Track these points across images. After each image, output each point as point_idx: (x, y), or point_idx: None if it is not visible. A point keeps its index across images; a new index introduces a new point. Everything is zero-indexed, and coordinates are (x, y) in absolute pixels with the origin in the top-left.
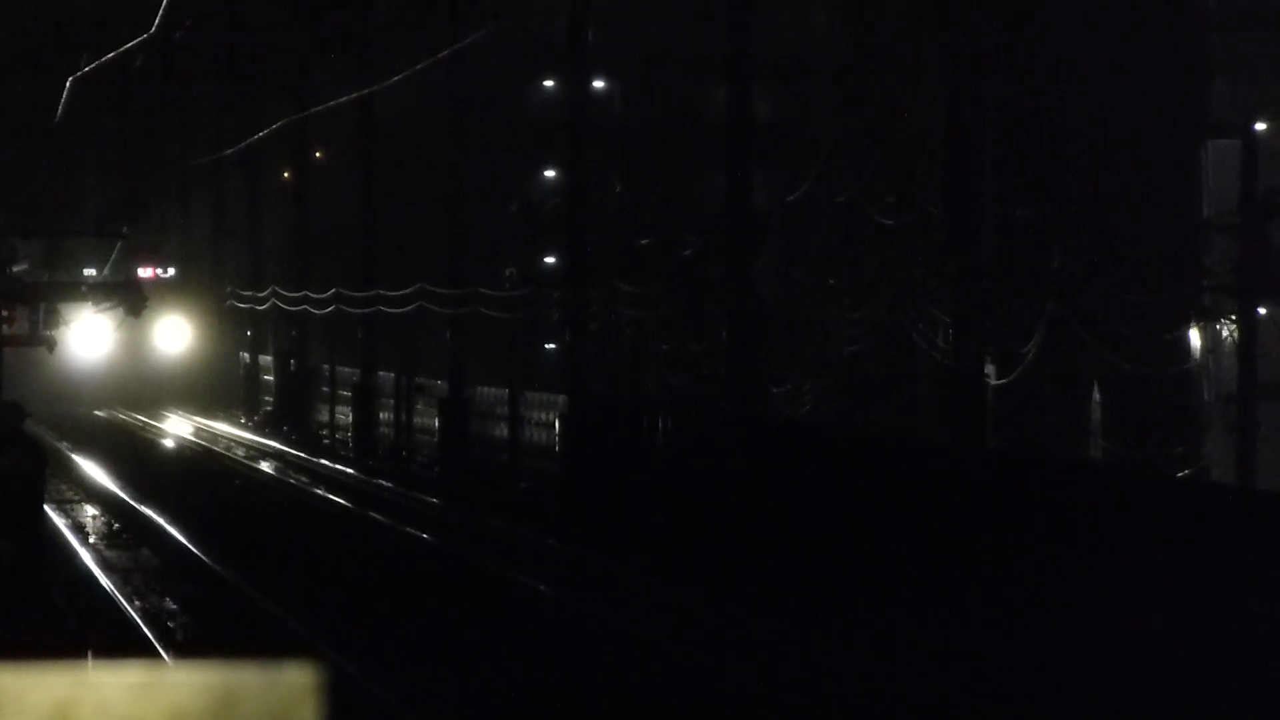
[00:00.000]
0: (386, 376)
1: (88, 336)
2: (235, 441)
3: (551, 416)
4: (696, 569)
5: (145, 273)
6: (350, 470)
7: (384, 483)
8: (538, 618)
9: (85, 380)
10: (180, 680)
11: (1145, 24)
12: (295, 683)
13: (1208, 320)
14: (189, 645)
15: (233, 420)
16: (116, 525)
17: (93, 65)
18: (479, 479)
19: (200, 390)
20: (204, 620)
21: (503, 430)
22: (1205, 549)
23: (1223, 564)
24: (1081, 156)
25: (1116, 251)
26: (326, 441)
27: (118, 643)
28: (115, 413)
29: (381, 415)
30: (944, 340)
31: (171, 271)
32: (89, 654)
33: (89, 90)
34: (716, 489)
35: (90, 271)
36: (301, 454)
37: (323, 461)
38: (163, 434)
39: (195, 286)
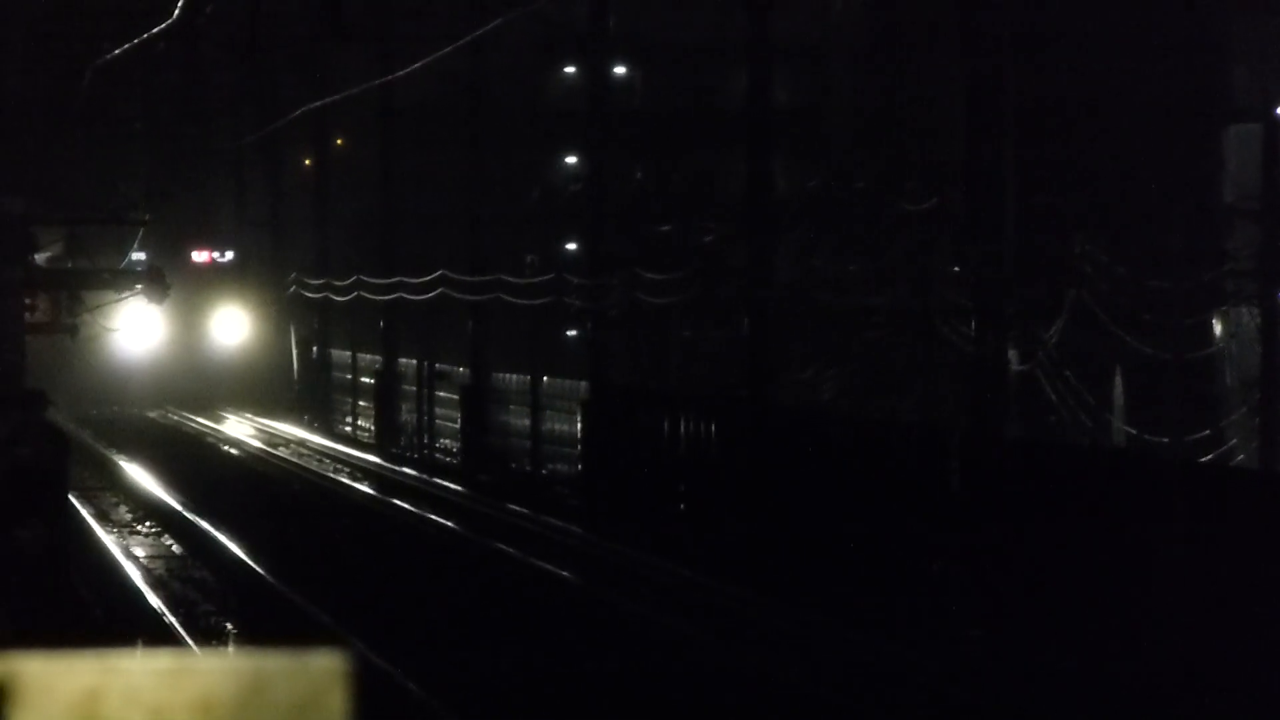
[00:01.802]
0: (409, 364)
1: (134, 329)
2: (268, 431)
3: (573, 404)
4: (717, 555)
5: (200, 257)
6: (371, 457)
7: (407, 470)
8: (560, 604)
9: (134, 378)
10: (209, 667)
11: (1165, 7)
12: (324, 669)
13: (1230, 305)
14: (217, 631)
15: (270, 413)
16: (128, 506)
17: (115, 52)
18: (500, 465)
19: (247, 384)
20: (228, 601)
21: (524, 417)
22: (1226, 534)
23: (1244, 549)
24: (1102, 141)
25: (1138, 237)
26: (347, 429)
27: (141, 628)
28: (166, 412)
29: (403, 405)
30: (967, 326)
31: (230, 255)
32: (117, 641)
33: (111, 77)
34: (735, 475)
35: (139, 256)
36: (323, 440)
37: (342, 448)
38: (193, 424)
39: (255, 273)
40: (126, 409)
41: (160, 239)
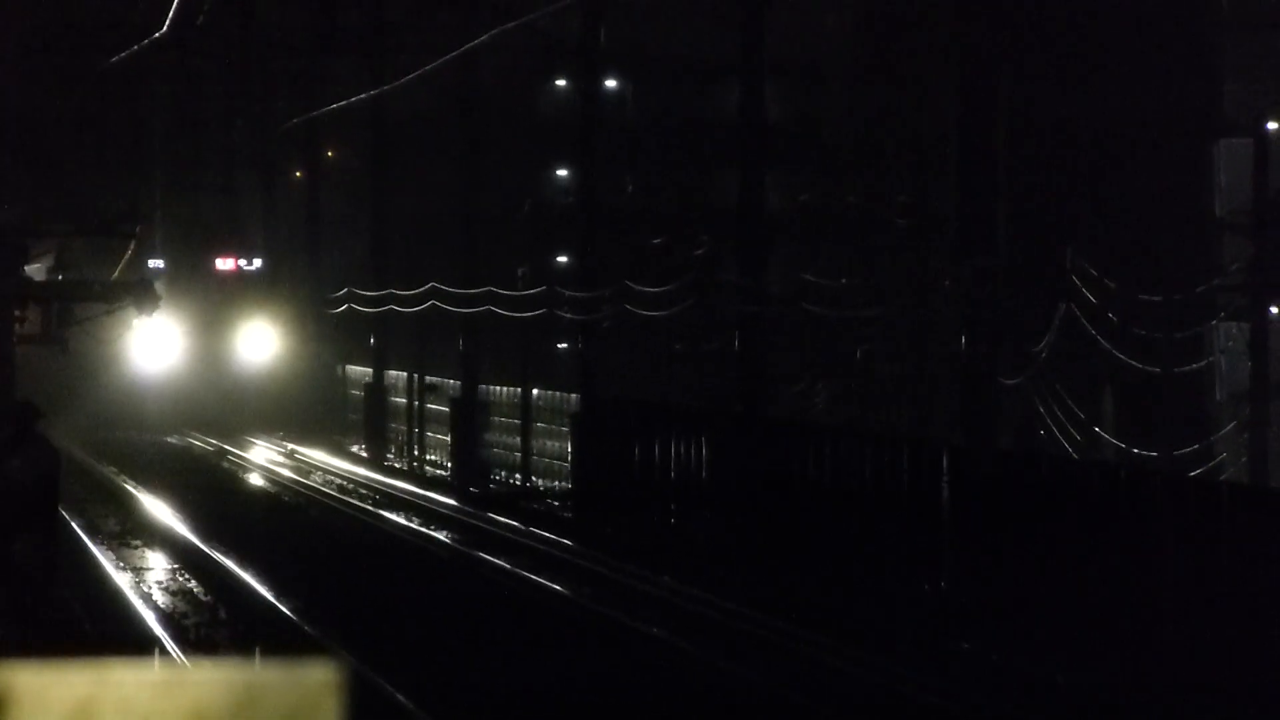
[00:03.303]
0: (399, 376)
1: (146, 345)
2: (256, 446)
3: (564, 416)
4: (706, 566)
5: (226, 265)
6: (361, 470)
7: (397, 482)
8: (552, 615)
9: (151, 399)
10: (201, 679)
11: (1157, 24)
12: (316, 681)
13: (1221, 320)
14: (207, 643)
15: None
16: (118, 519)
17: (106, 64)
18: (491, 477)
19: (273, 404)
20: (218, 611)
21: (515, 431)
22: (1216, 547)
23: (1235, 563)
24: (1094, 156)
25: (1129, 251)
26: (337, 439)
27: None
28: (185, 436)
29: (393, 417)
30: (957, 340)
31: (258, 263)
32: (107, 653)
33: (102, 89)
34: (726, 488)
35: (156, 264)
36: (314, 454)
37: (332, 461)
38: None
39: (286, 282)
40: (142, 433)
41: (182, 246)
